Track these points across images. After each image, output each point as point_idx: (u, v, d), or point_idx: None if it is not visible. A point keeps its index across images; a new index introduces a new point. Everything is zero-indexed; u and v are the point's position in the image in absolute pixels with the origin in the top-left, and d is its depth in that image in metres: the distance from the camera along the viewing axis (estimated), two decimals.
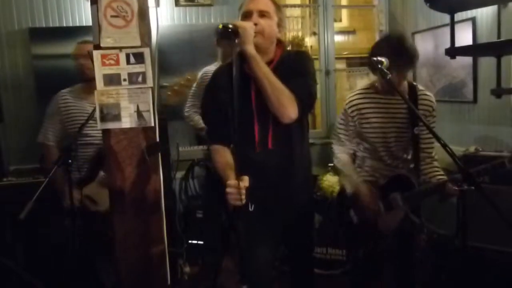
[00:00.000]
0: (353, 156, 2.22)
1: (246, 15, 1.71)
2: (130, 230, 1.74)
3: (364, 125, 2.09)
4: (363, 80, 5.45)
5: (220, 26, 1.53)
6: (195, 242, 3.14)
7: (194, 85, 3.08)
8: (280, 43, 1.82)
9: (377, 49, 1.93)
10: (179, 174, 3.32)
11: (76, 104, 2.45)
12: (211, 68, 3.00)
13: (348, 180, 2.09)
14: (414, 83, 2.11)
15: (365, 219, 2.02)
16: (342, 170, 2.13)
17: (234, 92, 1.46)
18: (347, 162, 2.15)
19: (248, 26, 1.60)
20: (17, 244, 2.81)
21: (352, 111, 2.10)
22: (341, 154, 2.16)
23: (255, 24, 1.66)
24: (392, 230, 1.99)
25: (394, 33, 2.37)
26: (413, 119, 2.01)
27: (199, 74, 3.12)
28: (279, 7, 1.79)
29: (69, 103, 2.46)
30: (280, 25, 1.77)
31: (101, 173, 2.37)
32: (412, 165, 2.10)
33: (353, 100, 2.11)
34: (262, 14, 1.70)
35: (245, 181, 1.52)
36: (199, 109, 2.93)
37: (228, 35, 1.54)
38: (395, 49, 1.87)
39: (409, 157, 2.13)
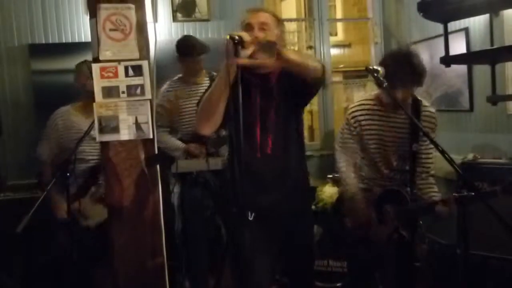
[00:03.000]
0: (356, 165, 2.20)
1: (247, 29, 1.73)
2: (128, 242, 1.73)
3: (365, 136, 2.08)
4: (360, 92, 5.50)
5: (228, 37, 1.53)
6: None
7: (158, 103, 2.96)
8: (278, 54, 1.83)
9: (383, 65, 1.84)
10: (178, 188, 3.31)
11: (75, 122, 2.46)
12: (171, 84, 2.87)
13: (347, 187, 2.09)
14: (419, 98, 2.09)
15: (358, 226, 2.03)
16: (343, 178, 2.12)
17: (235, 100, 1.45)
18: (350, 170, 2.12)
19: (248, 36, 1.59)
20: (14, 258, 2.79)
21: (354, 122, 2.09)
22: (344, 162, 2.13)
23: (256, 38, 1.66)
24: (382, 241, 1.99)
25: (402, 48, 2.34)
26: (414, 134, 1.98)
27: (160, 94, 2.87)
28: (279, 21, 1.82)
29: (67, 120, 2.47)
30: (280, 38, 1.79)
31: (93, 189, 2.39)
32: (407, 178, 2.08)
33: (355, 111, 2.11)
34: (263, 27, 1.73)
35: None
36: (168, 127, 2.82)
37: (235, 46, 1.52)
38: (401, 66, 1.85)
39: (407, 167, 2.11)
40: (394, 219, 1.95)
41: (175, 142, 2.74)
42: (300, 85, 1.72)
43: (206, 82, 2.74)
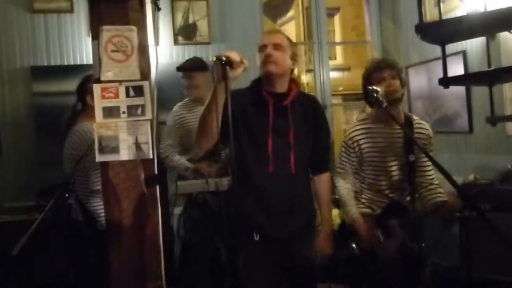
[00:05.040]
0: (353, 189, 2.23)
1: (262, 49, 1.82)
2: (126, 264, 1.70)
3: (364, 155, 2.12)
4: (359, 114, 5.53)
5: (214, 59, 1.56)
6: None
7: (168, 124, 2.99)
8: (294, 81, 1.94)
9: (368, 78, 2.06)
10: (177, 210, 3.28)
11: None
12: (180, 105, 2.98)
13: (348, 212, 2.11)
14: (410, 114, 2.19)
15: (365, 250, 2.02)
16: (344, 202, 2.14)
17: (229, 117, 1.45)
18: (350, 194, 2.17)
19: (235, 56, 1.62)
20: (10, 282, 2.73)
21: (353, 143, 2.14)
22: (344, 186, 2.17)
23: (269, 55, 1.78)
24: (392, 258, 1.98)
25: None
26: (409, 147, 2.04)
27: (171, 114, 3.01)
28: (292, 42, 1.91)
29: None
30: (293, 58, 1.89)
31: None
32: (407, 194, 2.12)
33: (352, 133, 2.16)
34: (276, 47, 1.81)
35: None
36: (177, 148, 2.88)
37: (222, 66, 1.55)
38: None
39: (407, 185, 2.13)
40: (400, 232, 1.96)
41: (184, 162, 2.79)
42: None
43: None
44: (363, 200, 2.19)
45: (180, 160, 2.82)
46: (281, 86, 1.86)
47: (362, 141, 2.12)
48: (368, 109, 2.27)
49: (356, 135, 2.14)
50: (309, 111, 1.92)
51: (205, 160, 2.71)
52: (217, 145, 1.83)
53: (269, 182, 1.80)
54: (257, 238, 1.74)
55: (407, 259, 2.03)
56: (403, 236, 1.96)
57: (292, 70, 1.92)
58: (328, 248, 1.91)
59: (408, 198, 2.11)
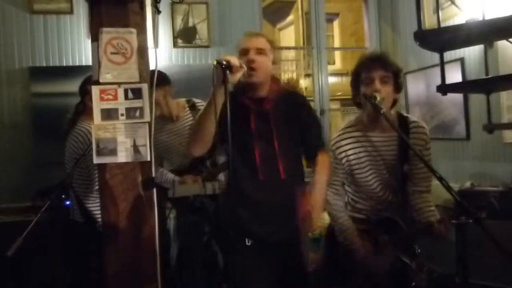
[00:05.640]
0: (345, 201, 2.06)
1: (244, 53, 1.77)
2: (122, 266, 1.70)
3: (354, 166, 1.91)
4: None
5: (215, 62, 1.55)
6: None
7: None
8: (275, 80, 1.88)
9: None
10: (174, 213, 3.28)
11: None
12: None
13: (343, 233, 1.93)
14: (406, 115, 1.95)
15: (357, 263, 1.88)
16: (335, 217, 1.97)
17: (228, 124, 1.45)
18: (342, 210, 1.98)
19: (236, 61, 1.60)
20: (7, 283, 2.72)
21: (340, 153, 1.91)
22: (335, 202, 1.98)
23: (252, 61, 1.72)
24: (384, 271, 1.86)
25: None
26: (404, 154, 1.85)
27: None
28: (274, 46, 1.86)
29: None
30: (274, 62, 1.84)
31: None
32: (400, 206, 1.94)
33: (338, 142, 1.92)
34: (259, 51, 1.76)
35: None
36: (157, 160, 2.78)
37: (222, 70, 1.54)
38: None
39: (400, 197, 1.95)
40: (392, 247, 1.84)
41: (168, 176, 2.61)
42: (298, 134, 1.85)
43: (185, 114, 2.63)
44: (357, 209, 2.01)
45: (164, 173, 2.63)
46: (262, 90, 1.82)
47: (350, 151, 1.89)
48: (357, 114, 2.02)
49: (343, 145, 1.90)
50: (293, 108, 1.86)
51: (189, 172, 2.58)
52: (210, 152, 1.82)
53: (260, 189, 1.77)
54: (249, 244, 1.73)
55: (400, 274, 1.88)
56: (395, 252, 1.84)
57: (274, 74, 1.86)
58: (314, 216, 1.71)
59: (400, 211, 1.92)
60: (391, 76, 1.79)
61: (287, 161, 1.81)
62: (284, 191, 1.80)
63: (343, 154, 1.90)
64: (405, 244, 1.86)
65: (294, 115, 1.85)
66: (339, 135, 1.94)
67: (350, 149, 1.89)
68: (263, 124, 1.80)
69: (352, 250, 1.89)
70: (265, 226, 1.78)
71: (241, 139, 1.73)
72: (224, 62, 1.52)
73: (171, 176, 2.64)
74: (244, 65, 1.62)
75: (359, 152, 1.88)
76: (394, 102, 1.87)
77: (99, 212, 2.23)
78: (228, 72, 1.52)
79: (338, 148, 1.91)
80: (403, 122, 1.87)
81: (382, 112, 1.68)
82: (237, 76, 1.59)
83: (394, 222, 1.87)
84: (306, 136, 1.88)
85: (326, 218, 3.25)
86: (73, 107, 2.47)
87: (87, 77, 2.36)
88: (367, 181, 1.91)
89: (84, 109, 2.41)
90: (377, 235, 1.89)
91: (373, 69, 1.77)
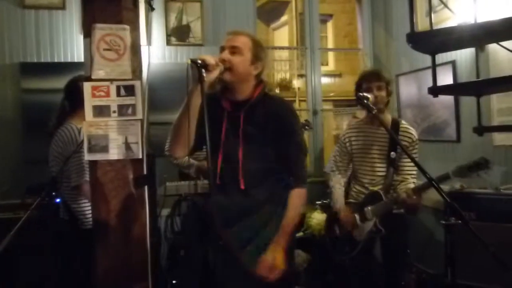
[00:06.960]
0: (345, 184, 2.58)
1: (221, 51, 1.72)
2: (113, 265, 1.69)
3: (353, 151, 2.49)
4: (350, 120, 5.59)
5: (189, 61, 1.52)
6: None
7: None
8: (260, 83, 1.78)
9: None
10: (165, 212, 3.26)
11: None
12: None
13: (335, 203, 2.48)
14: (399, 119, 2.49)
15: (345, 231, 2.42)
16: (334, 195, 2.49)
17: (206, 126, 1.41)
18: (340, 189, 2.50)
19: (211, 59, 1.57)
20: None
21: (345, 139, 2.53)
22: (336, 182, 2.51)
23: (223, 60, 1.65)
24: (363, 237, 2.34)
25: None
26: (393, 146, 2.35)
27: None
28: (257, 44, 1.75)
29: None
30: (254, 62, 1.72)
31: None
32: (386, 187, 2.38)
33: (347, 133, 2.56)
34: (233, 50, 1.69)
35: None
36: None
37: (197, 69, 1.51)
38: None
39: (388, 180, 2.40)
40: (372, 215, 2.31)
41: (188, 159, 2.71)
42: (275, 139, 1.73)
43: None
44: (352, 193, 2.52)
45: (185, 158, 2.71)
46: (242, 93, 1.73)
47: (353, 138, 2.49)
48: (359, 114, 2.60)
49: (349, 133, 2.52)
50: (272, 118, 1.72)
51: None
52: (192, 153, 1.77)
53: (221, 195, 1.72)
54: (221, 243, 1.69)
55: (392, 253, 2.39)
56: (374, 219, 2.30)
57: (259, 74, 1.75)
58: (275, 262, 1.65)
59: (386, 187, 2.38)
60: (384, 85, 2.36)
61: (251, 172, 1.71)
62: (244, 203, 1.72)
63: (347, 140, 2.51)
64: (381, 212, 2.30)
65: (272, 125, 1.72)
66: (350, 128, 2.58)
67: (352, 136, 2.50)
68: (232, 129, 1.73)
69: (337, 212, 2.43)
70: (228, 231, 1.70)
71: (212, 141, 1.58)
72: (199, 61, 1.49)
73: (191, 160, 2.74)
74: (220, 64, 1.59)
75: (358, 140, 2.47)
76: (387, 103, 2.44)
77: (82, 210, 2.23)
78: (203, 71, 1.49)
79: (344, 135, 2.55)
80: (395, 124, 2.41)
81: (374, 111, 2.05)
82: (214, 74, 1.56)
83: (378, 195, 2.33)
84: (284, 159, 1.74)
85: (320, 219, 3.28)
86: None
87: (75, 77, 2.33)
88: (363, 161, 2.46)
89: (71, 108, 2.38)
90: (364, 206, 2.37)
91: (371, 80, 2.35)
